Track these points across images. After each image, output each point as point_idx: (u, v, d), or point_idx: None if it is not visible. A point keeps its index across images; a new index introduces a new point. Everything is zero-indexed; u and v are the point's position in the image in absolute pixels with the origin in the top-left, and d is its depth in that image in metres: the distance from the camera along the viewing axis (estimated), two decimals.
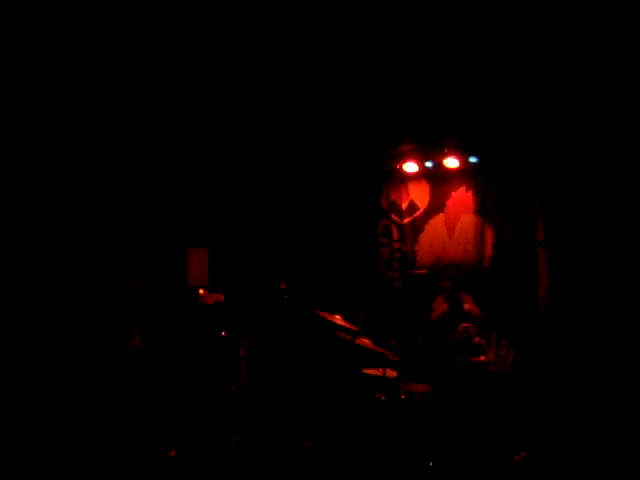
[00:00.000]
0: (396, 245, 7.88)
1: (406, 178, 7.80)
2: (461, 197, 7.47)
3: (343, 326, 6.76)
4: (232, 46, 5.79)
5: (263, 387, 7.78)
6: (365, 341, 6.88)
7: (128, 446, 6.41)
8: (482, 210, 7.30)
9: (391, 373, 6.14)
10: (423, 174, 7.63)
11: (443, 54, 5.69)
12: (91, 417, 6.40)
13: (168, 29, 5.66)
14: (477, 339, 6.06)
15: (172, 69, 6.23)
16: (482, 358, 6.02)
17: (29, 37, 5.50)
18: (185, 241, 8.14)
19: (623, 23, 5.10)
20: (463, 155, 7.09)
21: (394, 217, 7.92)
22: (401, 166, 7.54)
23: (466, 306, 6.68)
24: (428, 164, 7.35)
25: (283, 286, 8.19)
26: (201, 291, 6.59)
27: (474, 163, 7.10)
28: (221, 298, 6.61)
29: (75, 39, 5.62)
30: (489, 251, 7.16)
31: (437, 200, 7.66)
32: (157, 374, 6.80)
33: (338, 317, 7.40)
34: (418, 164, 7.44)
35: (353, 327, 6.68)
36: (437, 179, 7.61)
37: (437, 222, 7.63)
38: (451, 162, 7.16)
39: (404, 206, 7.85)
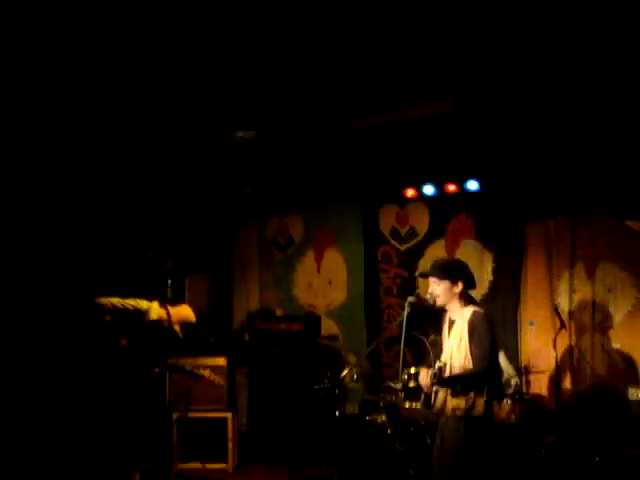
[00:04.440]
0: (396, 271, 7.88)
1: (406, 203, 7.83)
2: (461, 222, 7.49)
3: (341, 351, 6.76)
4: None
5: (263, 412, 7.76)
6: (366, 368, 6.88)
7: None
8: (482, 235, 7.32)
9: (392, 399, 6.11)
10: (423, 200, 7.65)
11: (439, 77, 5.65)
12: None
13: None
14: None
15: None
16: None
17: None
18: (185, 267, 8.15)
19: None
20: (462, 181, 7.13)
21: (394, 243, 7.93)
22: (401, 192, 7.56)
23: None
24: (427, 190, 7.37)
25: (280, 313, 8.21)
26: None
27: (473, 189, 7.13)
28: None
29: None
30: (489, 276, 7.19)
31: (437, 226, 7.66)
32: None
33: (338, 343, 7.43)
34: (417, 190, 7.46)
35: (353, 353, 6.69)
36: (437, 205, 7.64)
37: (437, 247, 7.61)
38: (450, 188, 7.21)
39: (403, 232, 7.87)
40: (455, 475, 4.57)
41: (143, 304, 6.28)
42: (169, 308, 6.30)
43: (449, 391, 4.60)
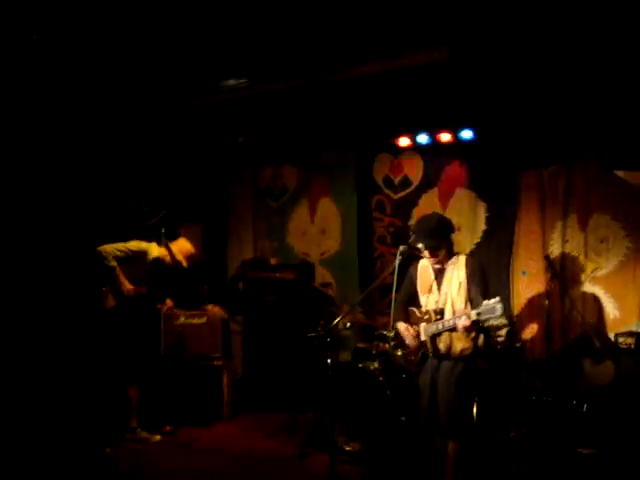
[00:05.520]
0: (389, 220, 7.89)
1: (400, 153, 7.80)
2: (454, 172, 7.46)
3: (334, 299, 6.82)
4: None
5: (257, 360, 7.85)
6: (358, 315, 6.94)
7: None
8: (475, 184, 7.31)
9: (384, 347, 6.18)
10: (416, 149, 7.62)
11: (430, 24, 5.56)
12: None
13: None
14: None
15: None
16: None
17: None
18: (178, 216, 8.15)
19: None
20: (456, 130, 7.08)
21: (387, 192, 7.92)
22: (394, 140, 7.52)
23: None
24: (421, 139, 7.32)
25: (274, 262, 8.26)
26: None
27: (467, 138, 7.08)
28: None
29: None
30: (482, 225, 7.21)
31: (431, 175, 7.64)
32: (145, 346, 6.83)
33: (331, 291, 7.48)
34: (411, 138, 7.41)
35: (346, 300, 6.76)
36: (430, 154, 7.60)
37: (431, 197, 7.61)
38: (444, 137, 7.16)
39: (397, 181, 7.86)
40: (457, 413, 4.80)
41: (143, 245, 6.56)
42: (169, 244, 6.66)
43: (454, 335, 4.78)
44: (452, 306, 4.81)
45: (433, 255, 4.87)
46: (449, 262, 4.92)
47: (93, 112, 6.82)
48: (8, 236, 6.26)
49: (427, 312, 4.92)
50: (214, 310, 7.46)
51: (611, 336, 6.30)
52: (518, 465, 5.55)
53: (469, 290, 4.78)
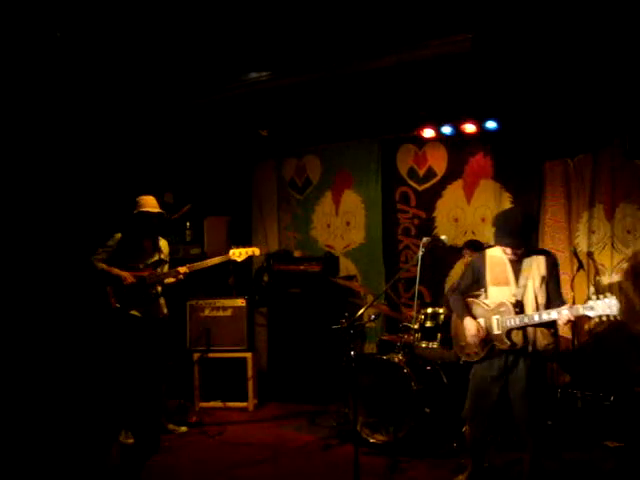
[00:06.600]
0: (414, 211, 7.86)
1: (424, 144, 7.77)
2: (479, 163, 7.43)
3: (359, 292, 6.81)
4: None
5: (282, 352, 7.88)
6: (383, 308, 6.93)
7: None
8: (500, 175, 7.26)
9: (408, 339, 6.17)
10: (441, 140, 7.59)
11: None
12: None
13: None
14: None
15: None
16: None
17: None
18: (203, 209, 8.20)
19: None
20: (480, 120, 7.03)
21: (412, 183, 7.90)
22: (419, 132, 7.49)
23: None
24: (445, 130, 7.28)
25: (298, 254, 8.27)
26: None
27: (492, 128, 7.03)
28: None
29: None
30: None
31: (455, 166, 7.61)
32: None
33: (355, 284, 7.48)
34: (435, 130, 7.38)
35: (370, 293, 6.74)
36: (455, 145, 7.57)
37: (455, 188, 7.59)
38: (469, 127, 7.12)
39: (422, 172, 7.83)
40: (538, 411, 4.62)
41: (116, 235, 6.30)
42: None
43: (537, 329, 4.53)
44: (535, 300, 4.55)
45: (515, 253, 4.60)
46: (529, 255, 4.67)
47: (119, 108, 6.86)
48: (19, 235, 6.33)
49: (502, 304, 4.61)
50: (239, 302, 7.50)
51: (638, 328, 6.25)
52: (544, 458, 5.51)
53: (548, 285, 4.57)
